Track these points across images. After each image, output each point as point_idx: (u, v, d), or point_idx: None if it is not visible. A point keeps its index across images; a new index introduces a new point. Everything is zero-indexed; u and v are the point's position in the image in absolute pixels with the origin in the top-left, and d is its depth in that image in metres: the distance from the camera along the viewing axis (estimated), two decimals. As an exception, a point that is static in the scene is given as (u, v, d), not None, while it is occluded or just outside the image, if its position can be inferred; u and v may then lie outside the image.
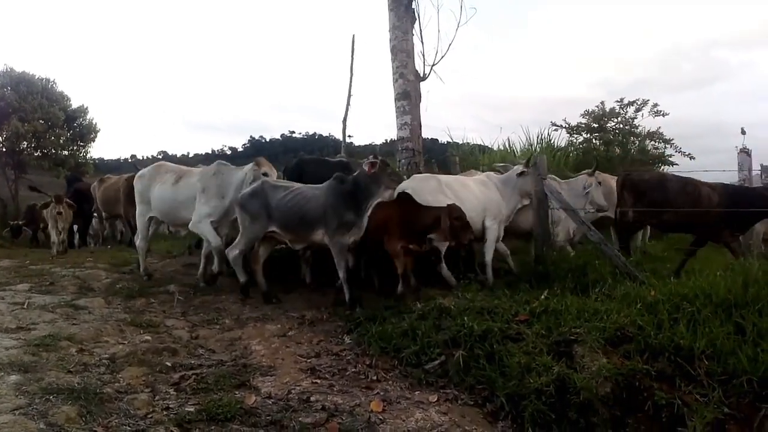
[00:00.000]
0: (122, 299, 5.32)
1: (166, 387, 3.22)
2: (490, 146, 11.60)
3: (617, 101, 17.60)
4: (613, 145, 17.99)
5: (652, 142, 17.51)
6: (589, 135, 18.67)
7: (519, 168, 5.51)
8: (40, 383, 2.99)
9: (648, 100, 17.27)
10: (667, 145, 16.44)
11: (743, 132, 6.23)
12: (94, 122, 22.67)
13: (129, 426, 2.69)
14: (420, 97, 7.02)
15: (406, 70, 6.88)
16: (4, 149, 19.91)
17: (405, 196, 5.09)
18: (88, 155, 22.59)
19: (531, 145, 14.00)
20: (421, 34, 7.04)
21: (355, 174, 4.95)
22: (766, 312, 3.16)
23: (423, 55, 7.07)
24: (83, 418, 2.69)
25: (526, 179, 5.33)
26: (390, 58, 6.94)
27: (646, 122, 16.89)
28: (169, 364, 3.58)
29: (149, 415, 2.82)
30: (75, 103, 22.24)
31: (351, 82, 9.01)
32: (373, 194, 4.82)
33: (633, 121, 18.36)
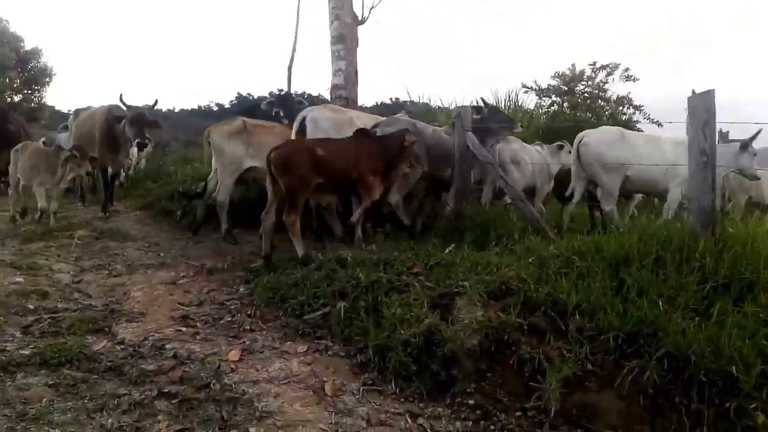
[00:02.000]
0: (20, 242, 5.03)
1: (14, 329, 3.01)
2: (448, 106, 11.24)
3: (589, 64, 17.30)
4: (581, 109, 17.80)
5: (621, 108, 17.38)
6: (557, 98, 18.45)
7: None
8: None
9: (619, 64, 17.01)
10: (636, 111, 16.32)
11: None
12: (49, 66, 21.68)
13: (-54, 367, 2.47)
14: (357, 41, 6.65)
15: (341, 12, 6.48)
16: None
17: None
18: (43, 100, 21.68)
19: (498, 106, 13.72)
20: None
21: None
22: (651, 268, 3.02)
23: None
24: None
25: None
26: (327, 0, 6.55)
27: (616, 87, 16.70)
28: (31, 307, 3.36)
29: (-24, 357, 2.60)
30: (29, 45, 21.21)
31: (297, 27, 8.59)
32: None
33: (603, 86, 18.14)
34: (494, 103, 12.91)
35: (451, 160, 5.05)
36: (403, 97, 12.66)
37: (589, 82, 18.28)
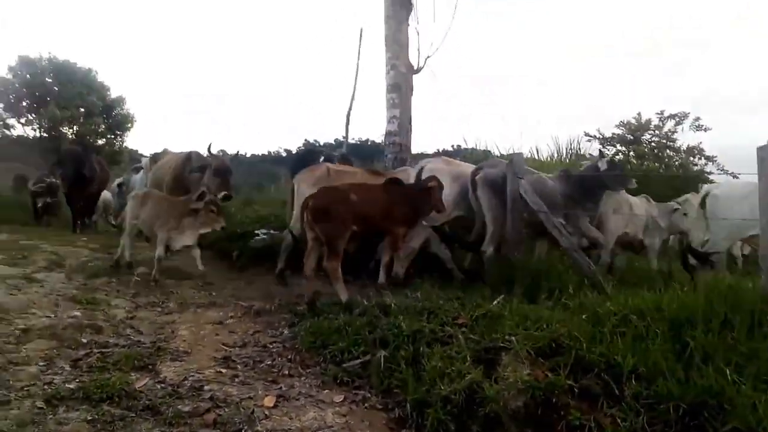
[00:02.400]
0: (85, 277, 5.28)
1: (64, 363, 3.10)
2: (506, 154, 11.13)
3: (657, 113, 16.79)
4: (648, 159, 17.20)
5: (692, 158, 16.69)
6: (623, 147, 17.92)
7: None
8: (-69, 347, 2.91)
9: (688, 113, 16.43)
10: (709, 162, 15.62)
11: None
12: (131, 113, 23.34)
13: (-5, 397, 2.56)
14: (411, 90, 6.75)
15: (398, 62, 6.63)
16: (44, 134, 20.73)
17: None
18: (124, 144, 23.27)
19: (559, 154, 13.48)
20: (417, 25, 6.80)
21: None
22: (717, 331, 2.77)
23: (419, 49, 6.83)
24: (-45, 385, 2.58)
25: None
26: (384, 50, 6.73)
27: (685, 137, 16.08)
28: (84, 340, 3.47)
29: (26, 388, 2.69)
30: (114, 94, 22.97)
31: (357, 76, 8.83)
32: None
33: (672, 135, 17.50)
34: (555, 153, 12.70)
35: (554, 208, 5.03)
36: (461, 144, 12.65)
37: (657, 132, 17.68)
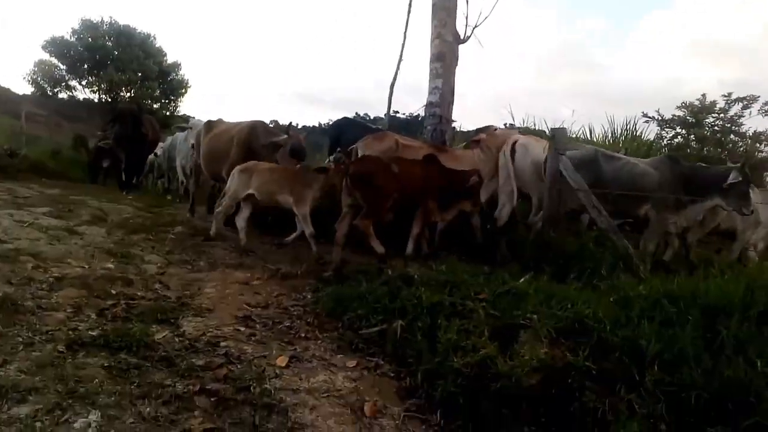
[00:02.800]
0: (124, 232, 5.45)
1: (91, 311, 3.20)
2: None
3: (723, 95, 15.81)
4: (709, 144, 16.30)
5: (759, 145, 15.74)
6: (682, 130, 17.04)
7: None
8: (-30, 289, 3.06)
9: (758, 97, 15.40)
10: (777, 150, 14.69)
11: None
12: (185, 78, 23.96)
13: (21, 337, 2.68)
14: (456, 60, 6.52)
15: (444, 30, 6.40)
16: (103, 97, 21.57)
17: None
18: (177, 109, 23.95)
19: (613, 135, 12.90)
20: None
21: None
22: (756, 322, 2.58)
23: (467, 17, 6.58)
24: (-15, 325, 2.72)
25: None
26: (430, 17, 6.52)
27: (754, 122, 15.07)
28: (113, 292, 3.58)
29: (50, 332, 2.79)
30: (170, 59, 23.59)
31: (403, 45, 8.61)
32: None
33: (738, 120, 16.50)
34: (609, 133, 12.12)
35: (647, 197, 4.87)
36: (509, 120, 12.27)
37: (721, 115, 16.68)
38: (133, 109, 10.42)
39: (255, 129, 6.22)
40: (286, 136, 6.04)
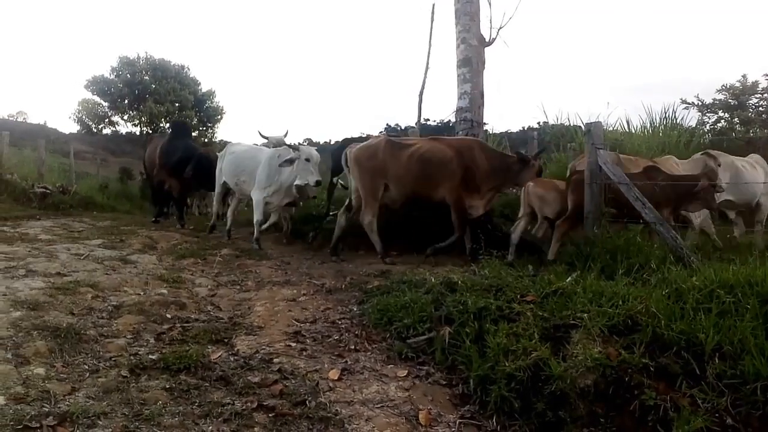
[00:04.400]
0: (174, 258, 5.65)
1: (149, 336, 3.33)
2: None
3: (765, 75, 15.22)
4: (755, 125, 15.69)
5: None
6: (725, 114, 16.46)
7: None
8: (36, 320, 3.24)
9: (805, 72, 14.72)
10: (827, 127, 14.06)
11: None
12: (220, 105, 24.72)
13: (87, 365, 2.81)
14: (483, 64, 6.51)
15: (468, 35, 6.40)
16: (144, 129, 22.44)
17: None
18: (215, 135, 24.65)
19: (652, 125, 12.54)
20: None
21: None
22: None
23: (491, 20, 6.57)
24: (52, 353, 2.87)
25: None
26: (454, 23, 6.55)
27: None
28: (168, 316, 3.71)
29: (113, 358, 2.92)
30: (204, 88, 24.38)
31: (429, 54, 8.67)
32: None
33: (784, 97, 15.86)
34: (648, 123, 11.79)
35: None
36: (542, 118, 12.09)
37: (765, 95, 16.04)
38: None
39: (483, 147, 6.02)
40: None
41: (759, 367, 2.19)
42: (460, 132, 6.52)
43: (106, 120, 23.47)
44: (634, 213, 4.37)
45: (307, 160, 6.21)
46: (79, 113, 23.08)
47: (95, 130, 23.77)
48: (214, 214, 8.53)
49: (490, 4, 6.69)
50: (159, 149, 8.91)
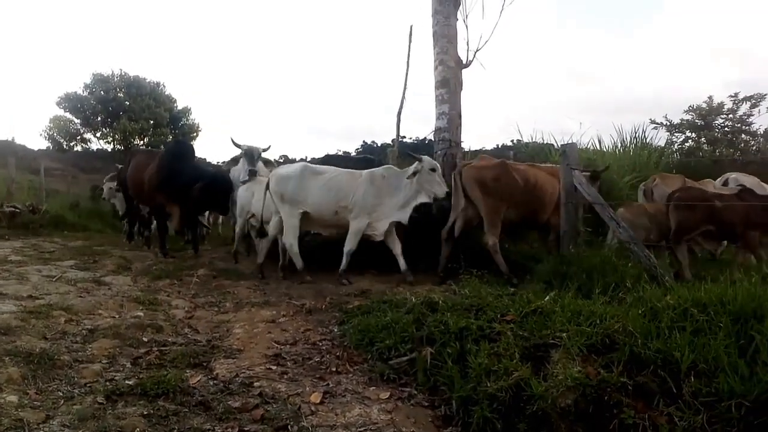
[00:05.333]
0: (149, 279, 5.55)
1: (125, 360, 3.26)
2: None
3: (730, 96, 15.84)
4: (721, 145, 16.25)
5: (770, 143, 15.74)
6: (692, 133, 17.02)
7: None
8: (8, 346, 3.14)
9: (766, 95, 15.42)
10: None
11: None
12: (196, 122, 24.46)
13: (61, 392, 2.74)
14: (461, 85, 6.64)
15: (446, 57, 6.53)
16: (119, 146, 22.08)
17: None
18: (190, 153, 24.31)
19: (623, 144, 12.88)
20: (466, 19, 6.69)
21: None
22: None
23: (468, 42, 6.72)
24: (24, 380, 2.79)
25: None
26: (432, 45, 6.67)
27: (763, 120, 15.11)
28: (145, 339, 3.64)
29: (89, 385, 2.85)
30: (180, 105, 24.12)
31: (407, 74, 8.75)
32: None
33: (747, 119, 16.48)
34: (619, 143, 12.11)
35: None
36: (518, 137, 12.32)
37: (730, 116, 16.66)
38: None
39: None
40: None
41: (733, 384, 2.25)
42: (438, 152, 6.61)
43: (78, 137, 23.01)
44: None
45: (433, 170, 5.62)
46: (50, 130, 22.58)
47: (66, 148, 23.29)
48: (237, 241, 7.24)
49: (467, 27, 6.84)
50: (156, 169, 7.60)
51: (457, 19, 6.73)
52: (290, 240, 5.88)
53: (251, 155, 6.45)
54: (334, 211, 5.89)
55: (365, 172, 6.07)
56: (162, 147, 22.32)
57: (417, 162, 5.62)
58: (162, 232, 7.75)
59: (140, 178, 7.90)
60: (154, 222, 8.70)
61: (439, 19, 6.65)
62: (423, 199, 5.66)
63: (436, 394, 2.97)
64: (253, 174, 6.21)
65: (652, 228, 5.37)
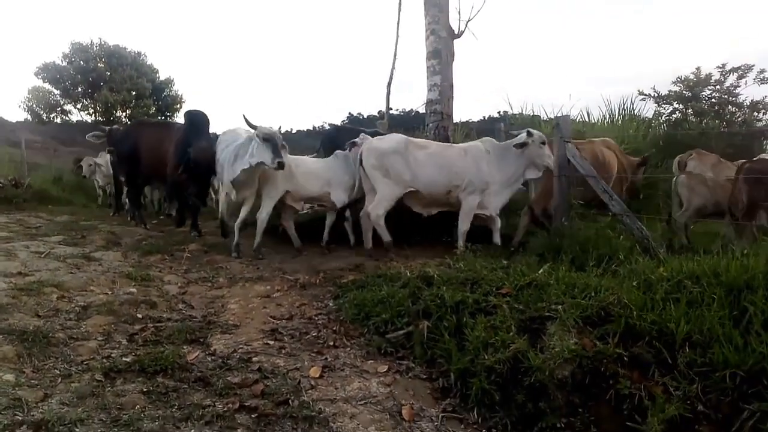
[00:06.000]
0: (140, 254, 5.49)
1: (121, 337, 3.25)
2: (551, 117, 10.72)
3: (718, 67, 15.80)
4: (708, 116, 16.30)
5: (756, 114, 15.81)
6: (680, 105, 17.03)
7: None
8: (1, 324, 3.10)
9: (753, 66, 15.39)
10: (775, 117, 14.75)
11: None
12: (179, 94, 24.02)
13: (58, 370, 2.72)
14: (452, 56, 6.53)
15: (438, 26, 6.41)
16: (100, 118, 21.60)
17: None
18: (174, 125, 23.92)
19: (612, 116, 12.91)
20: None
21: None
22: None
23: (459, 12, 6.60)
24: (20, 359, 2.76)
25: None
26: (423, 15, 6.54)
27: (750, 91, 15.13)
28: (139, 316, 3.62)
29: (86, 362, 2.84)
30: (163, 75, 23.63)
31: (397, 44, 8.65)
32: None
33: (734, 90, 16.50)
34: (607, 115, 12.13)
35: None
36: (507, 109, 12.28)
37: (717, 87, 16.67)
38: None
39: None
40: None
41: (727, 355, 2.29)
42: (430, 124, 6.55)
43: (58, 109, 22.51)
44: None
45: (543, 143, 5.29)
46: (29, 101, 22.04)
47: (46, 119, 22.76)
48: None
49: (459, -6, 6.71)
50: (174, 145, 6.87)
51: (448, -12, 6.59)
52: (380, 212, 5.47)
53: (274, 143, 5.20)
54: (447, 189, 5.47)
55: (467, 146, 5.71)
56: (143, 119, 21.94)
57: (525, 134, 5.33)
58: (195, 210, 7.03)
59: (154, 151, 7.22)
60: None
61: (430, -13, 6.51)
62: (532, 174, 5.41)
63: (434, 367, 3.01)
64: (281, 166, 5.19)
65: (709, 199, 5.45)
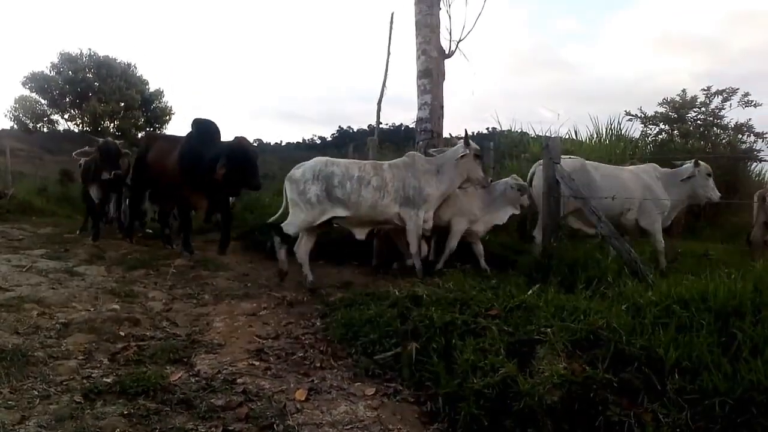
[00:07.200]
0: (124, 269, 5.41)
1: (102, 356, 3.17)
2: (540, 135, 10.83)
3: (703, 89, 16.10)
4: (694, 138, 16.55)
5: (740, 136, 16.07)
6: (666, 126, 17.30)
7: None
8: (-22, 342, 3.02)
9: (737, 89, 15.72)
10: (758, 140, 15.00)
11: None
12: (168, 105, 23.95)
13: (37, 390, 2.64)
14: (443, 75, 6.59)
15: (429, 47, 6.47)
16: (88, 129, 21.44)
17: None
18: (162, 137, 23.84)
19: (599, 135, 13.06)
20: (449, 8, 6.63)
21: None
22: (769, 322, 2.61)
23: (450, 32, 6.66)
24: (-3, 379, 2.67)
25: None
26: (414, 34, 6.59)
27: (734, 114, 15.43)
28: (122, 333, 3.54)
29: (65, 382, 2.76)
30: (153, 87, 23.56)
31: (388, 62, 8.69)
32: None
33: (719, 112, 16.80)
34: (594, 134, 12.26)
35: None
36: (495, 126, 12.38)
37: (703, 109, 16.97)
38: None
39: None
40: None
41: (716, 382, 2.29)
42: (420, 142, 6.56)
43: (45, 119, 22.31)
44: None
45: (709, 175, 5.44)
46: (15, 111, 21.82)
47: (32, 129, 22.52)
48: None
49: (450, 16, 6.78)
50: (180, 155, 6.33)
51: (440, 9, 6.65)
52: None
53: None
54: (619, 212, 5.27)
55: (636, 170, 5.67)
56: (132, 130, 21.82)
57: (692, 165, 5.42)
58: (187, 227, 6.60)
59: (161, 162, 6.65)
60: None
61: (422, 8, 6.56)
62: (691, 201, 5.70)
63: (422, 390, 2.96)
64: None
65: None
